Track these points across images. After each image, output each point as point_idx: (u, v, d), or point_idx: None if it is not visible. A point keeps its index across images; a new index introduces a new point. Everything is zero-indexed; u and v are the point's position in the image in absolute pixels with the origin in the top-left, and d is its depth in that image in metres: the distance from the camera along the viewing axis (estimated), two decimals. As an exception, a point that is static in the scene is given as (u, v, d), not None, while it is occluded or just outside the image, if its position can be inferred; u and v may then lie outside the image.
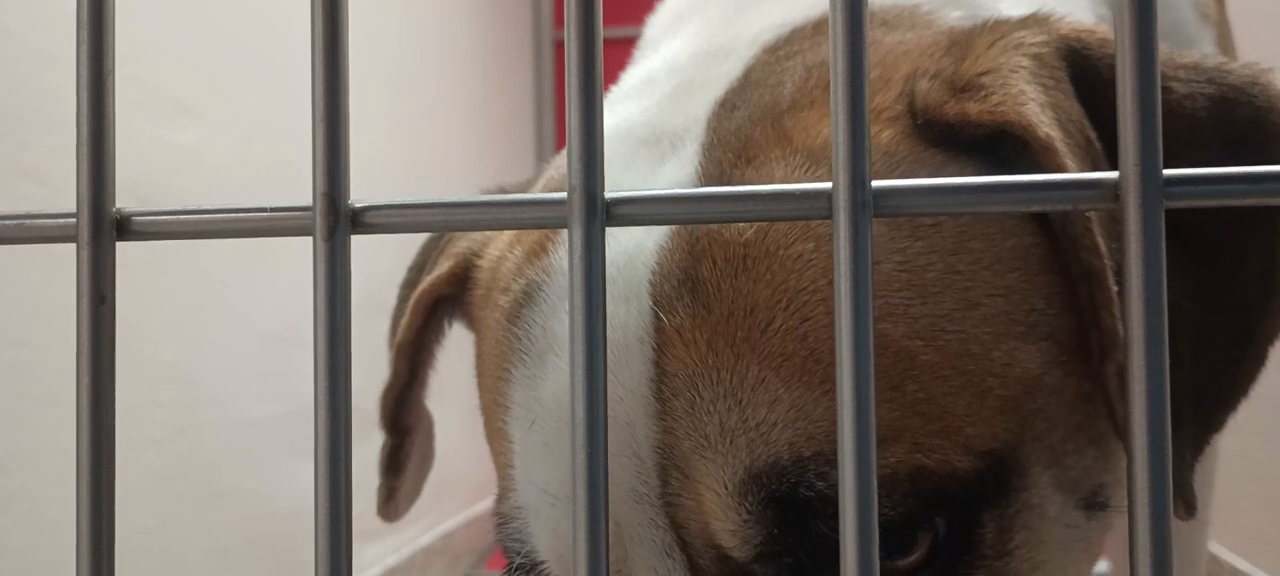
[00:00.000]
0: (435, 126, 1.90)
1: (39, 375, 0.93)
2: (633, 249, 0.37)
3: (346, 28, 0.20)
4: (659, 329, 0.35)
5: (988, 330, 0.35)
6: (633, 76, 0.48)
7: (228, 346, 1.19)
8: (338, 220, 0.20)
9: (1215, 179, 0.18)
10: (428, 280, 0.50)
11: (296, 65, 1.26)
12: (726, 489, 0.34)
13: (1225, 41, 0.61)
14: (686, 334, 0.35)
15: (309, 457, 0.22)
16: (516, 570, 0.41)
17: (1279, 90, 0.36)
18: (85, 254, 0.21)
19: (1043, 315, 0.36)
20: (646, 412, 0.35)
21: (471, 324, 0.48)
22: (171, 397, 1.11)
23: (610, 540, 0.38)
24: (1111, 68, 0.34)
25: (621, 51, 0.56)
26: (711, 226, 0.35)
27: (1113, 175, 0.18)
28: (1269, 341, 0.38)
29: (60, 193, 0.94)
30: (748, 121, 0.39)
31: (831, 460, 0.32)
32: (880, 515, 0.34)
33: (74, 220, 0.21)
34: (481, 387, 0.44)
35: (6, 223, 0.23)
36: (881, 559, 0.34)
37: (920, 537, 0.34)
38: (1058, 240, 0.35)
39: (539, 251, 0.41)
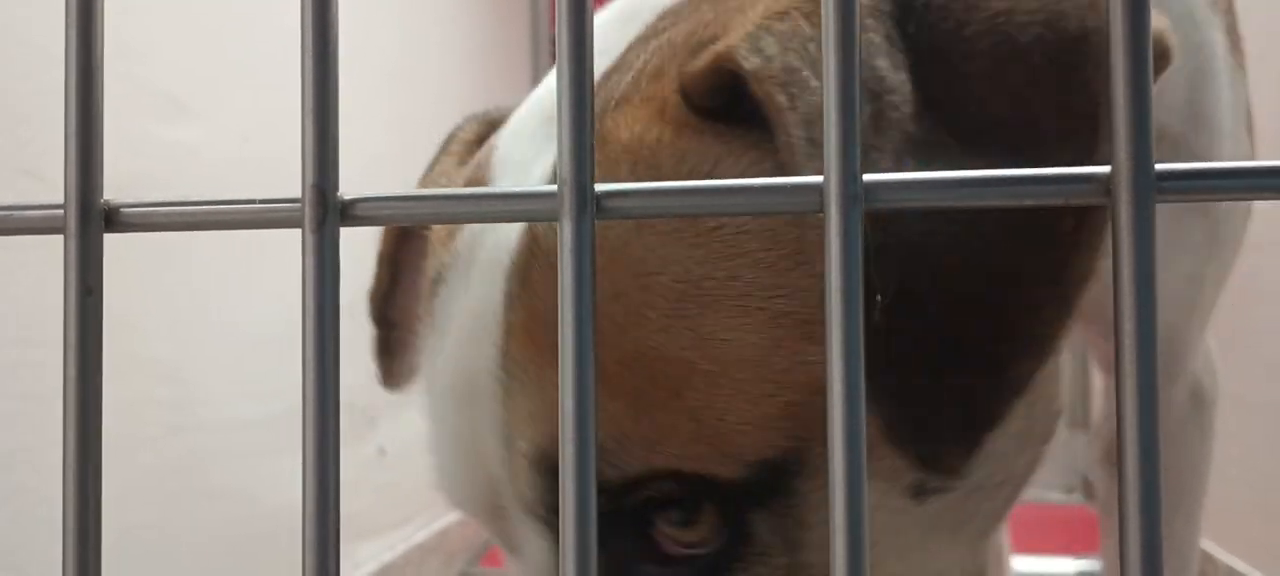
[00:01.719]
0: (432, 122, 1.90)
1: (35, 373, 0.93)
2: (503, 241, 0.40)
3: (336, 16, 0.20)
4: (505, 318, 0.39)
5: (767, 336, 0.35)
6: None
7: (222, 345, 1.19)
8: (326, 212, 0.20)
9: (1207, 173, 0.18)
10: (394, 243, 0.53)
11: (293, 62, 1.25)
12: (529, 463, 0.37)
13: (1233, 32, 0.61)
14: (517, 327, 0.38)
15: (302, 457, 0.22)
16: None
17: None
18: (72, 245, 0.21)
19: None
20: (495, 392, 0.39)
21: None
22: (166, 396, 1.11)
23: (485, 490, 0.40)
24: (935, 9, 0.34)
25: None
26: (545, 232, 0.38)
27: (1104, 170, 0.18)
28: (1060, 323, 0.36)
29: (60, 190, 0.94)
30: (599, 110, 0.40)
31: (623, 449, 0.35)
32: (652, 493, 0.35)
33: (61, 211, 0.21)
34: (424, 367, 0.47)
35: (-7, 214, 0.22)
36: (669, 532, 0.36)
37: (705, 517, 0.36)
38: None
39: (449, 232, 0.44)
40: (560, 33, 0.19)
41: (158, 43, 1.12)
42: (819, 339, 0.35)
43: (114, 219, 0.21)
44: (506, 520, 0.41)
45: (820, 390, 0.35)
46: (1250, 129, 0.63)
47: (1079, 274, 0.35)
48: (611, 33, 0.44)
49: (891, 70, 0.34)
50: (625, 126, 0.38)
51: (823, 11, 0.19)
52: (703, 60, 0.36)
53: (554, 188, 0.19)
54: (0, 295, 0.93)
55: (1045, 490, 2.37)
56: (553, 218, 0.20)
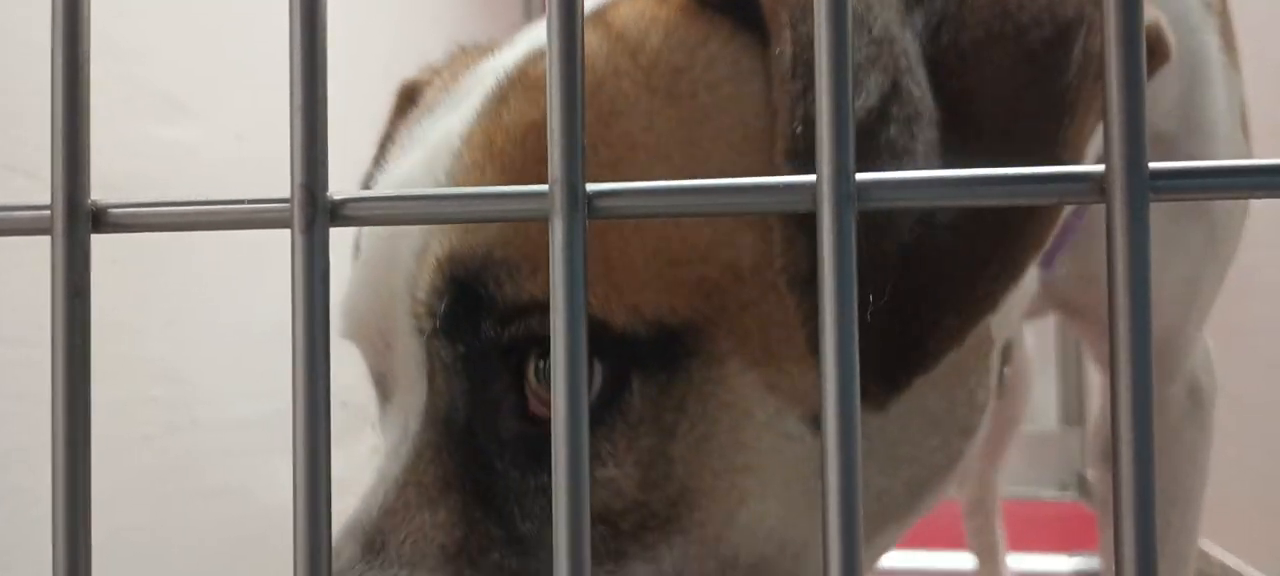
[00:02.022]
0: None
1: (29, 373, 0.92)
2: (495, 71, 0.40)
3: (325, 15, 0.20)
4: (468, 130, 0.38)
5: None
6: None
7: (218, 345, 1.18)
8: (316, 212, 0.20)
9: (1201, 173, 0.18)
10: (415, 76, 0.52)
11: (286, 61, 1.25)
12: (436, 262, 0.36)
13: (1227, 33, 0.61)
14: (475, 137, 0.38)
15: (288, 453, 0.22)
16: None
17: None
18: (59, 246, 0.21)
19: None
20: (410, 240, 0.38)
21: None
22: (161, 395, 1.11)
23: (382, 321, 0.39)
24: None
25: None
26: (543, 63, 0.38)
27: (1099, 169, 0.18)
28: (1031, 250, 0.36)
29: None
30: (509, 94, 0.40)
31: (514, 270, 0.34)
32: (535, 329, 0.34)
33: (48, 212, 0.21)
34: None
35: (-20, 214, 0.22)
36: (536, 387, 0.35)
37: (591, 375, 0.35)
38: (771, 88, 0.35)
39: (449, 80, 0.44)
40: (551, 36, 0.19)
41: (154, 43, 1.12)
42: (755, 227, 0.35)
43: (102, 219, 0.21)
44: (390, 352, 0.40)
45: (741, 277, 0.35)
46: (1246, 131, 0.63)
47: (1029, 241, 0.34)
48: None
49: (914, 78, 0.34)
50: (629, 6, 0.39)
51: (815, 18, 0.18)
52: None
53: (546, 188, 0.19)
54: (-7, 294, 0.92)
55: (1040, 488, 2.37)
56: (543, 216, 0.20)
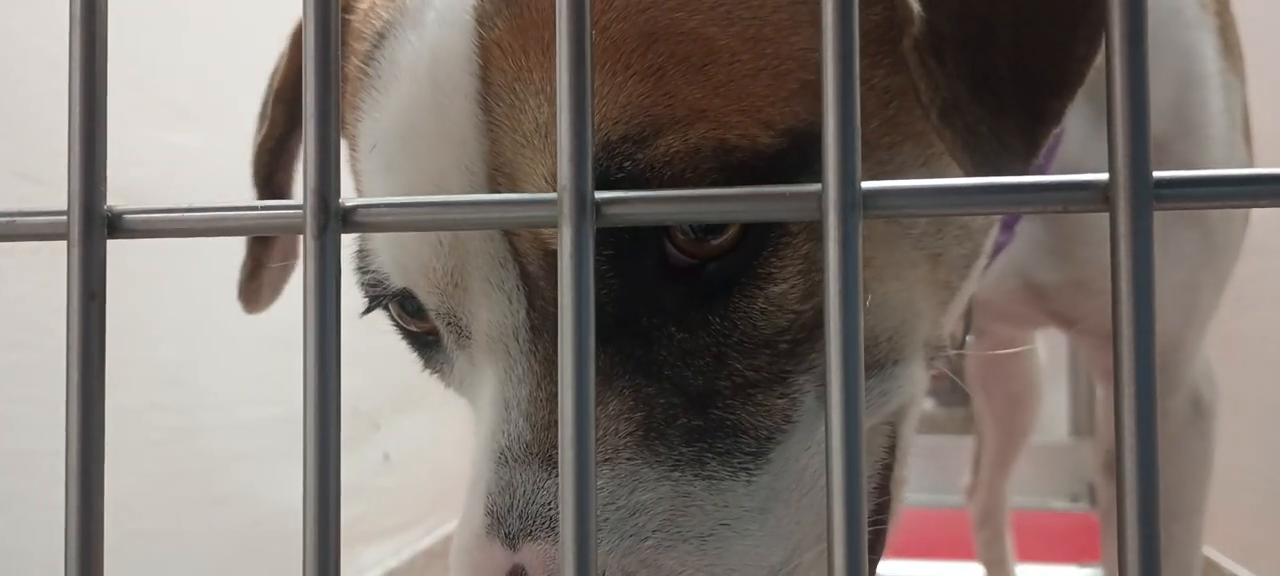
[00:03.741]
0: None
1: (34, 376, 0.93)
2: None
3: (338, 26, 0.20)
4: (482, 45, 0.37)
5: (784, 15, 0.36)
6: None
7: (227, 349, 1.19)
8: (328, 218, 0.20)
9: (1205, 181, 0.18)
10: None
11: (298, 68, 1.26)
12: (545, 181, 0.35)
13: (1228, 34, 0.60)
14: (505, 43, 0.36)
15: (299, 457, 0.22)
16: (374, 299, 0.42)
17: None
18: (76, 251, 0.21)
19: None
20: (475, 126, 0.36)
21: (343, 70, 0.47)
22: (171, 399, 1.11)
23: (448, 254, 0.38)
24: None
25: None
26: None
27: (1102, 177, 0.18)
28: (1098, 23, 0.35)
29: (62, 195, 0.95)
30: None
31: (639, 140, 0.34)
32: (688, 186, 0.33)
33: (65, 218, 0.21)
34: (344, 131, 0.43)
35: (-2, 220, 0.23)
36: (693, 237, 0.35)
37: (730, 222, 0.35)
38: None
39: None
40: (560, 43, 0.20)
41: (161, 49, 1.13)
42: None
43: (117, 225, 0.22)
44: (463, 289, 0.38)
45: (872, 34, 0.35)
46: (1248, 136, 0.62)
47: None
48: None
49: None
50: None
51: (822, 25, 0.19)
52: None
53: (554, 194, 0.20)
54: (3, 297, 0.93)
55: (1051, 498, 2.36)
56: (552, 223, 0.20)
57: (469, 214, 0.21)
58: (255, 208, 0.21)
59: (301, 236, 0.20)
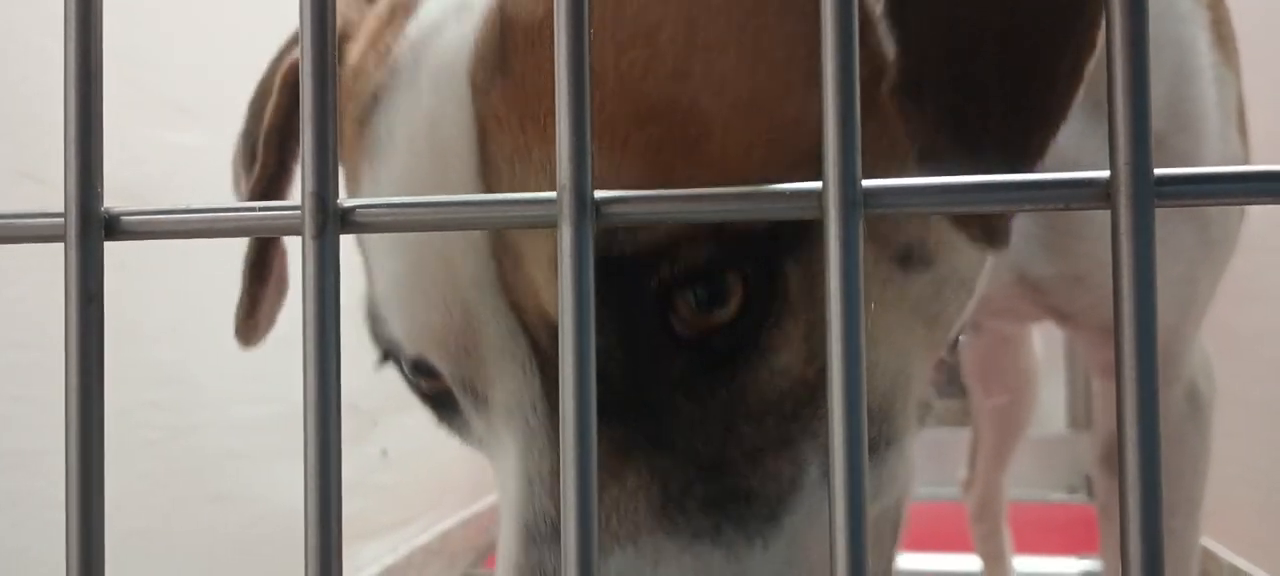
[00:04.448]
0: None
1: (35, 376, 0.93)
2: (455, 43, 0.37)
3: (334, 25, 0.20)
4: (479, 116, 0.36)
5: (776, 82, 0.35)
6: None
7: (224, 348, 1.19)
8: (326, 219, 0.20)
9: (1206, 178, 0.18)
10: (296, 53, 0.47)
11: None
12: (548, 260, 0.35)
13: (1222, 27, 0.59)
14: (502, 116, 0.36)
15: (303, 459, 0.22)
16: (386, 358, 0.42)
17: None
18: (73, 253, 0.21)
19: None
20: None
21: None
22: (168, 398, 1.11)
23: (459, 326, 0.38)
24: None
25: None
26: (515, 12, 0.36)
27: (1103, 175, 0.18)
28: (1086, 50, 0.34)
29: (60, 192, 0.94)
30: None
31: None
32: (687, 263, 0.34)
33: (62, 219, 0.21)
34: (346, 190, 0.43)
35: (-6, 222, 0.22)
36: (697, 311, 0.35)
37: (732, 287, 0.35)
38: None
39: (384, 52, 0.40)
40: (558, 40, 0.19)
41: (159, 47, 1.13)
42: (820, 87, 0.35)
43: (114, 227, 0.22)
44: (476, 358, 0.38)
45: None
46: (1243, 131, 0.62)
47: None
48: None
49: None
50: None
51: (821, 22, 0.19)
52: None
53: (553, 194, 0.20)
54: (4, 297, 0.93)
55: (1048, 490, 2.37)
56: (551, 223, 0.20)
57: (468, 213, 0.21)
58: (253, 209, 0.21)
59: (300, 242, 0.20)
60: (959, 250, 0.39)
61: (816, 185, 0.19)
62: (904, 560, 1.68)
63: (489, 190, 0.36)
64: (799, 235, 0.35)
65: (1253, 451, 1.50)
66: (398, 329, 0.40)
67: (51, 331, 0.93)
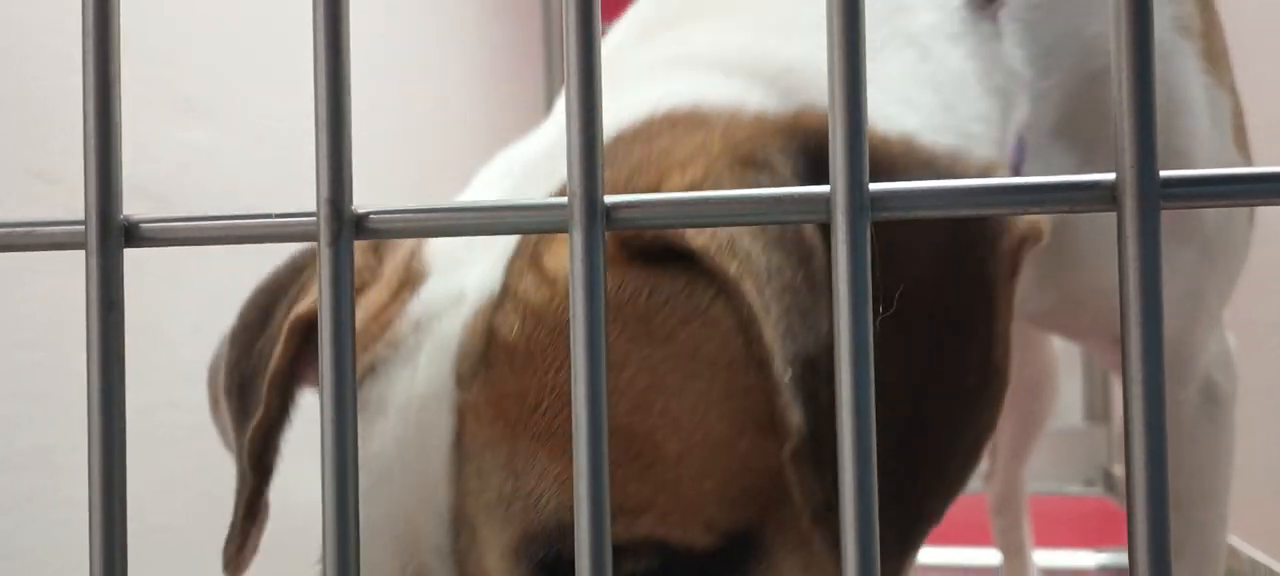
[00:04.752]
0: (444, 128, 1.91)
1: (52, 375, 0.94)
2: (448, 336, 0.41)
3: (348, 32, 0.21)
4: (460, 404, 0.39)
5: (729, 425, 0.38)
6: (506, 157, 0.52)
7: (243, 345, 1.19)
8: (341, 226, 0.20)
9: (1212, 180, 0.18)
10: (304, 305, 0.50)
11: (306, 64, 1.27)
12: (503, 552, 0.37)
13: (1212, 47, 0.60)
14: (478, 408, 0.39)
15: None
16: None
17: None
18: (94, 261, 0.21)
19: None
20: (447, 474, 0.39)
21: None
22: (189, 398, 1.12)
23: (401, 568, 0.39)
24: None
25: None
26: (498, 325, 0.39)
27: (1109, 177, 0.18)
28: (982, 437, 0.39)
29: (75, 193, 0.95)
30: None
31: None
32: (629, 570, 0.36)
33: (82, 227, 0.22)
34: None
35: (16, 230, 0.23)
36: None
37: None
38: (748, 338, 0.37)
39: (386, 324, 0.44)
40: (568, 43, 0.20)
41: (172, 45, 1.13)
42: (772, 434, 0.37)
43: (134, 234, 0.22)
44: None
45: (775, 477, 0.37)
46: (1243, 143, 0.62)
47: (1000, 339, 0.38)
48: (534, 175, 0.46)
49: None
50: (556, 255, 0.40)
51: (827, 14, 0.19)
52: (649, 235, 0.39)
53: (565, 200, 0.20)
54: (16, 296, 0.94)
55: (1065, 484, 2.36)
56: (562, 228, 0.20)
57: (483, 219, 0.21)
58: (269, 216, 0.22)
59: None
60: None
61: (825, 189, 0.19)
62: (924, 554, 1.69)
63: (459, 471, 0.39)
64: (738, 561, 0.38)
65: (1273, 444, 1.49)
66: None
67: (65, 331, 0.94)
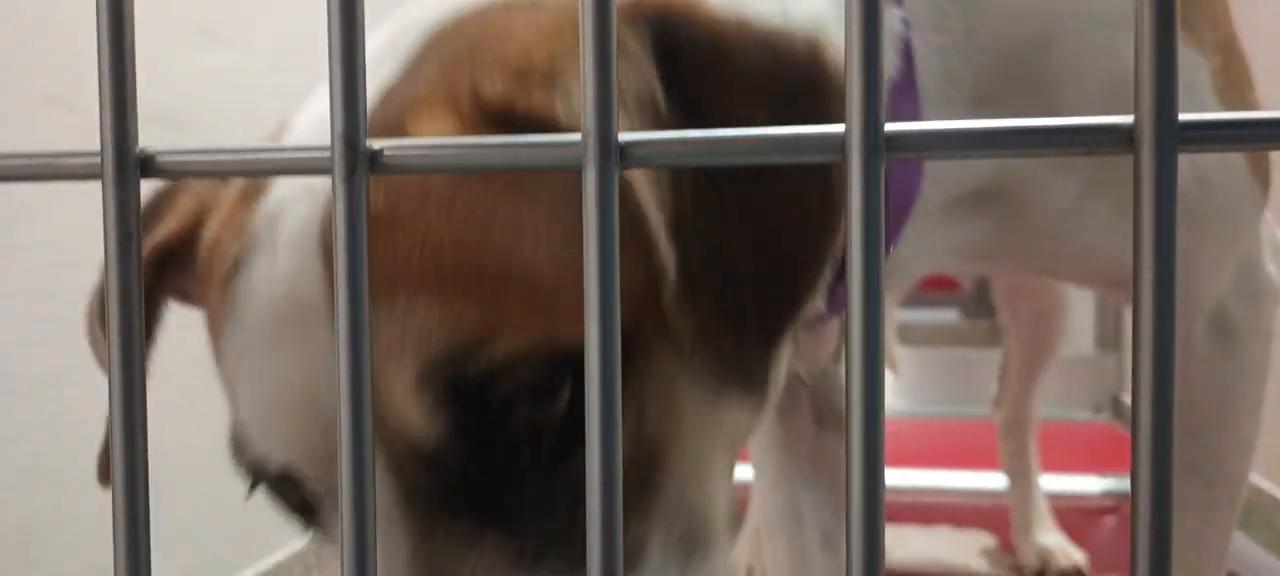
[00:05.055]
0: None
1: (73, 300, 0.95)
2: (305, 216, 0.42)
3: (361, -31, 0.20)
4: (329, 277, 0.41)
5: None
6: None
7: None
8: (356, 161, 0.20)
9: (1229, 124, 0.18)
10: (160, 234, 0.51)
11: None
12: (407, 390, 0.40)
13: (1231, 73, 0.60)
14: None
15: (333, 390, 0.23)
16: (254, 484, 0.47)
17: (826, 59, 0.43)
18: (110, 193, 0.21)
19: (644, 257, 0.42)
20: (333, 341, 0.40)
21: (197, 292, 0.51)
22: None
23: (324, 440, 0.41)
24: (693, 34, 0.41)
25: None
26: (373, 192, 0.40)
27: (1127, 120, 0.18)
28: (825, 251, 0.44)
29: (90, 117, 0.95)
30: (430, 70, 0.43)
31: (478, 344, 0.39)
32: (521, 381, 0.39)
33: (98, 159, 0.22)
34: (214, 352, 0.49)
35: (34, 161, 0.23)
36: (532, 418, 0.40)
37: (561, 393, 0.41)
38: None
39: (240, 225, 0.45)
40: (584, -21, 0.19)
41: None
42: (632, 249, 0.40)
43: (150, 166, 0.22)
44: (334, 458, 0.42)
45: (652, 284, 0.41)
46: (1237, 99, 0.62)
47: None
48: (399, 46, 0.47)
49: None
50: (423, 122, 0.41)
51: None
52: (507, 95, 0.41)
53: (577, 137, 0.20)
54: (38, 222, 0.94)
55: (1074, 410, 2.37)
56: (576, 166, 0.20)
57: (497, 155, 0.21)
58: (284, 150, 0.22)
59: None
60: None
61: (839, 129, 0.19)
62: (932, 477, 1.70)
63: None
64: (629, 353, 0.41)
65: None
66: (264, 444, 0.45)
67: (86, 250, 0.94)
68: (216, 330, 0.47)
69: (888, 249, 0.60)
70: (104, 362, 0.63)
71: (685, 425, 0.44)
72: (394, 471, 0.42)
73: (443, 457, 0.41)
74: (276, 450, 0.45)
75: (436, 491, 0.42)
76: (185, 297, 0.57)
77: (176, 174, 0.22)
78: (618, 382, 0.20)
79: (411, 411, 0.40)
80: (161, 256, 0.51)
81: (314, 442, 0.43)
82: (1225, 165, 0.60)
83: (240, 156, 0.23)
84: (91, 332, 0.63)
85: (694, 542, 0.46)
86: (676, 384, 0.44)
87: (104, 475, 0.59)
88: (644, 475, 0.44)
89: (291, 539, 1.45)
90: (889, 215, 0.58)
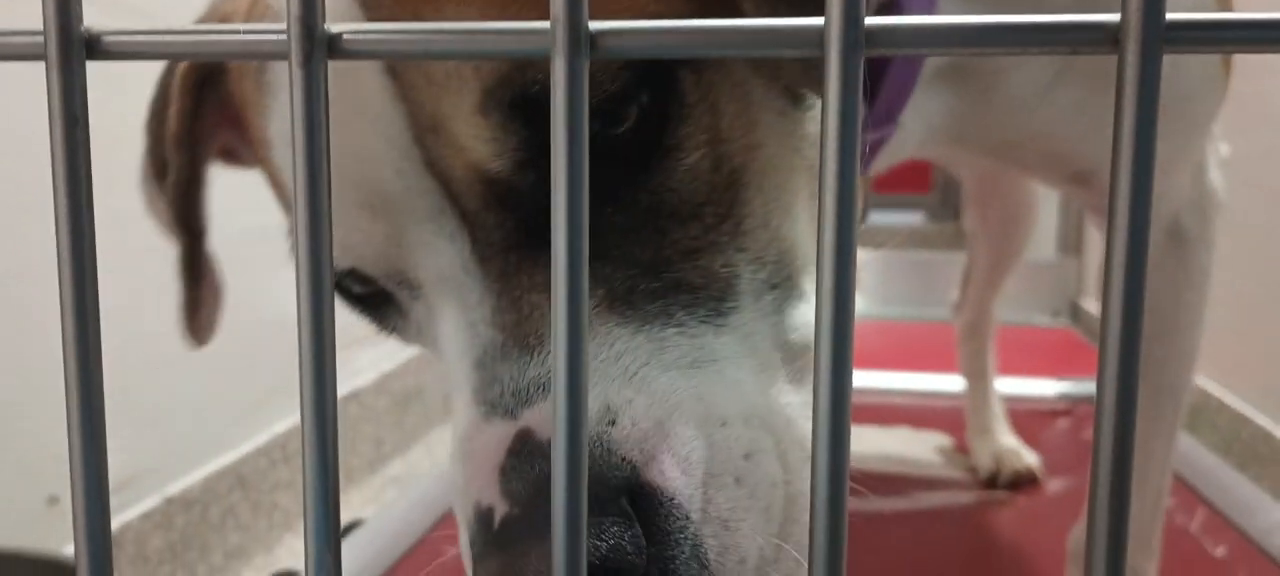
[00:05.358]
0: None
1: (21, 190, 0.92)
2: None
3: None
4: (369, 17, 0.39)
5: None
6: None
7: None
8: (313, 46, 0.19)
9: (1216, 25, 0.17)
10: (186, 65, 0.49)
11: None
12: (471, 112, 0.38)
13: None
14: (388, 8, 0.38)
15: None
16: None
17: None
18: (54, 76, 0.20)
19: None
20: (388, 97, 0.39)
21: (235, 100, 0.47)
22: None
23: (384, 222, 0.40)
24: None
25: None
26: None
27: (1114, 18, 0.17)
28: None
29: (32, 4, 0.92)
30: None
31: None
32: (604, 90, 0.37)
33: (41, 39, 0.21)
34: (257, 146, 0.46)
35: (-28, 39, 0.22)
36: (600, 131, 0.38)
37: (630, 110, 0.39)
38: None
39: (265, 11, 0.42)
40: None
41: None
42: None
43: (95, 47, 0.21)
44: (405, 247, 0.41)
45: None
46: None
47: None
48: None
49: None
50: None
51: None
52: None
53: (547, 25, 0.19)
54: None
55: (1034, 314, 2.41)
56: (544, 53, 0.19)
57: (461, 42, 0.20)
58: (237, 31, 0.21)
59: (286, 61, 0.20)
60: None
61: (819, 22, 0.18)
62: (890, 378, 1.73)
63: (402, 85, 0.38)
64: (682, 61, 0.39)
65: (1239, 280, 1.51)
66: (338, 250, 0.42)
67: (29, 143, 0.92)
68: (259, 127, 0.44)
69: (893, 120, 0.59)
70: (159, 217, 0.61)
71: (761, 134, 0.42)
72: (466, 227, 0.40)
73: (514, 190, 0.39)
74: (338, 249, 0.42)
75: (511, 233, 0.39)
76: (228, 157, 0.54)
77: (124, 55, 0.21)
78: (583, 272, 0.20)
79: (478, 139, 0.38)
80: (198, 81, 0.48)
81: (374, 229, 0.41)
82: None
83: (192, 39, 0.22)
84: (146, 189, 0.61)
85: (785, 281, 0.43)
86: (750, 89, 0.41)
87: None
88: (725, 201, 0.41)
89: (256, 432, 1.46)
90: (896, 88, 0.57)
